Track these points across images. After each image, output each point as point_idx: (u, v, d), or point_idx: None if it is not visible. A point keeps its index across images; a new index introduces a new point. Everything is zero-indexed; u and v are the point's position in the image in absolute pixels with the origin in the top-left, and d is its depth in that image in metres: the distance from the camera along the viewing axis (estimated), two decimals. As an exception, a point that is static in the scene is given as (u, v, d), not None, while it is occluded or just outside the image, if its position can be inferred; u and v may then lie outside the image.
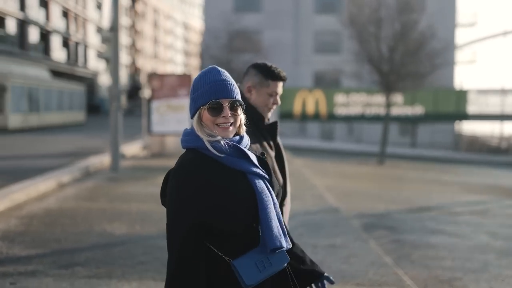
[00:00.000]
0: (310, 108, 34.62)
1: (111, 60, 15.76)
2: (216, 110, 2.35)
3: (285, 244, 2.38)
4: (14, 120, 31.37)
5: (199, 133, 2.36)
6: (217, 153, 2.32)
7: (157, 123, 19.48)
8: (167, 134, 19.71)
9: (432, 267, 7.34)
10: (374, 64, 25.27)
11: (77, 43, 60.33)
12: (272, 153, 3.44)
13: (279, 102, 3.52)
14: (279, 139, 3.58)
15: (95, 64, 68.07)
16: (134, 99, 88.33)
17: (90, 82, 63.71)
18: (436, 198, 14.63)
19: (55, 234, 7.76)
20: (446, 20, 43.39)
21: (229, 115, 2.35)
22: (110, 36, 15.92)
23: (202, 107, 2.37)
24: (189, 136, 2.41)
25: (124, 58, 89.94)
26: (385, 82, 25.55)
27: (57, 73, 50.16)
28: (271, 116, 3.62)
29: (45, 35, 51.45)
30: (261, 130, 3.45)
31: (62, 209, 9.64)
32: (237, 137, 2.43)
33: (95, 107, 63.80)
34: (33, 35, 48.72)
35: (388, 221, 10.54)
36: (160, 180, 9.55)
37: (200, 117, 2.38)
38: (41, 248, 7.01)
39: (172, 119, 19.43)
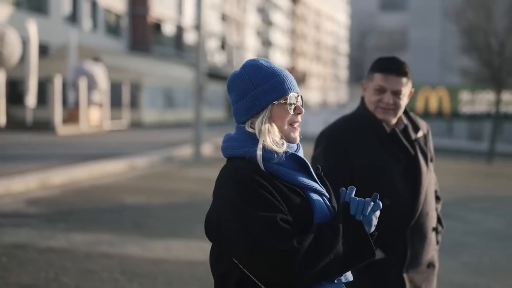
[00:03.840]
0: (433, 106, 34.10)
1: (196, 57, 17.16)
2: (295, 105, 1.91)
3: (345, 276, 1.91)
4: (148, 115, 33.97)
5: (266, 139, 1.86)
6: (260, 166, 1.86)
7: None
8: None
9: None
10: (483, 59, 24.67)
11: (234, 46, 63.77)
12: (396, 167, 2.83)
13: (392, 101, 2.80)
14: (419, 150, 2.93)
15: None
16: None
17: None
18: (506, 192, 14.37)
19: (75, 202, 9.13)
20: None
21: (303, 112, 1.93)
22: (197, 34, 17.36)
23: (275, 102, 1.89)
24: (236, 142, 1.94)
25: (284, 60, 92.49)
26: (495, 78, 24.85)
27: (210, 75, 53.26)
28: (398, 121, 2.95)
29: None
30: (382, 138, 2.85)
31: (108, 185, 11.02)
32: (295, 145, 1.96)
33: None
34: (189, 38, 52.21)
35: (408, 207, 10.80)
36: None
37: (270, 117, 1.89)
38: (51, 209, 8.37)
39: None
